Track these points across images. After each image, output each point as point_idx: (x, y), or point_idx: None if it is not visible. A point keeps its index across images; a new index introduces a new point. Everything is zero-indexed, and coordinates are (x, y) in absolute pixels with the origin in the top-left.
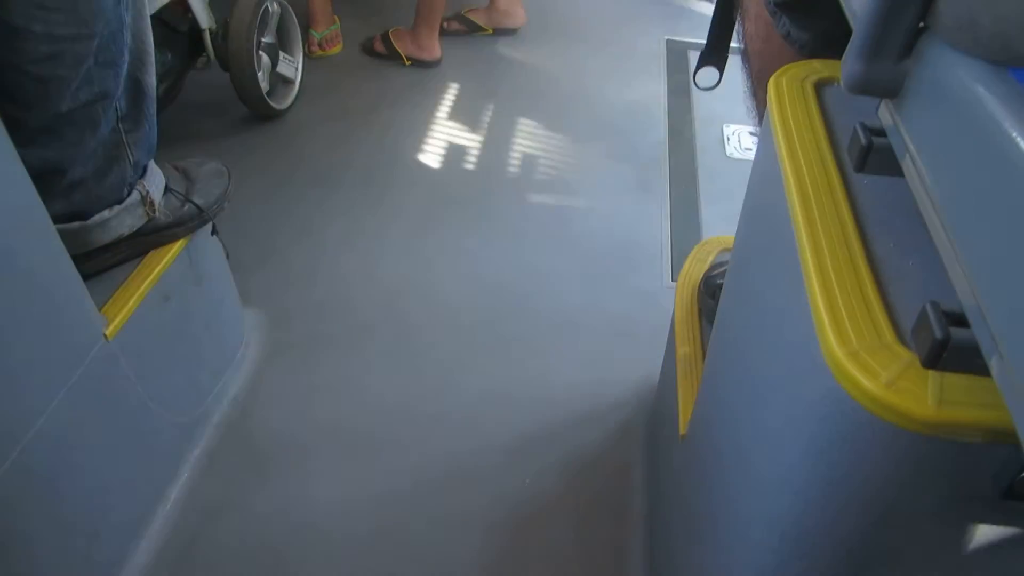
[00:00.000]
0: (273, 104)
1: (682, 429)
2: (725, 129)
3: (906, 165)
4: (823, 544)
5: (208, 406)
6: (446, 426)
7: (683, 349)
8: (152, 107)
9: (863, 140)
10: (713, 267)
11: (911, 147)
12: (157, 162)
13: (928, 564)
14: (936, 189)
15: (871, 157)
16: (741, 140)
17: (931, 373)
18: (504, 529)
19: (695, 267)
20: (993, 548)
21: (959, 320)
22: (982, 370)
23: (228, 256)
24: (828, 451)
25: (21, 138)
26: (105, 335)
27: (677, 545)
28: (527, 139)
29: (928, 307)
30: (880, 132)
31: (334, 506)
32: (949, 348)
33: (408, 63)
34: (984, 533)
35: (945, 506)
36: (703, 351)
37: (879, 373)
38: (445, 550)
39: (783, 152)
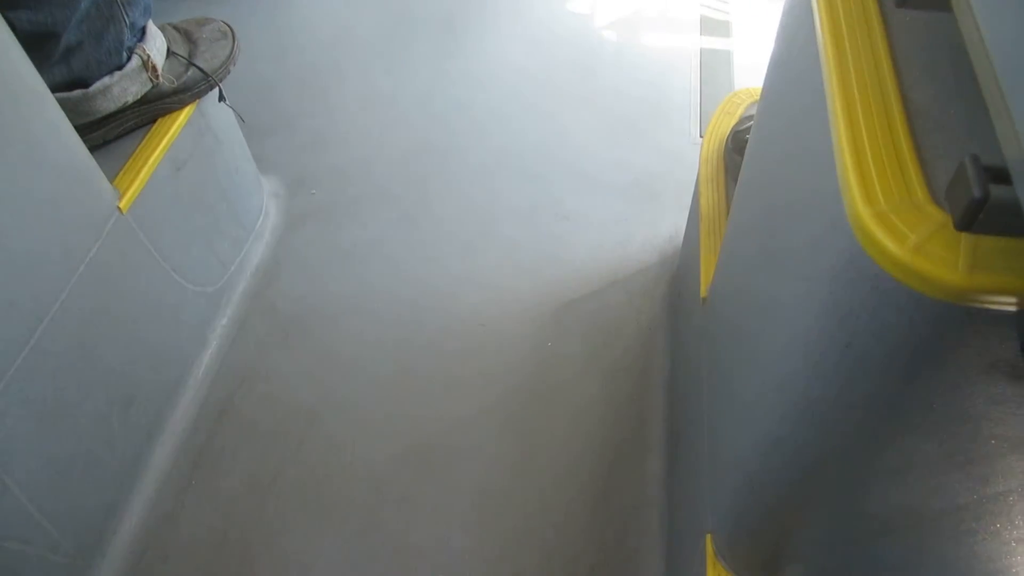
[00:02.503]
0: None
1: (703, 291)
2: None
3: None
4: (835, 413)
5: (232, 276)
6: (467, 289)
7: (707, 209)
8: None
9: None
10: (742, 121)
11: None
12: (156, 23)
13: (943, 436)
14: (989, 26)
15: None
16: None
17: (964, 236)
18: (525, 390)
19: (723, 121)
20: (1015, 420)
21: (1000, 176)
22: (1021, 232)
23: (242, 121)
24: (847, 318)
25: (8, 1)
26: (119, 208)
27: (696, 405)
28: None
29: (967, 161)
30: None
31: (360, 367)
32: (987, 208)
33: None
34: (1007, 408)
35: (967, 378)
36: (727, 211)
37: (907, 236)
38: (466, 412)
39: None
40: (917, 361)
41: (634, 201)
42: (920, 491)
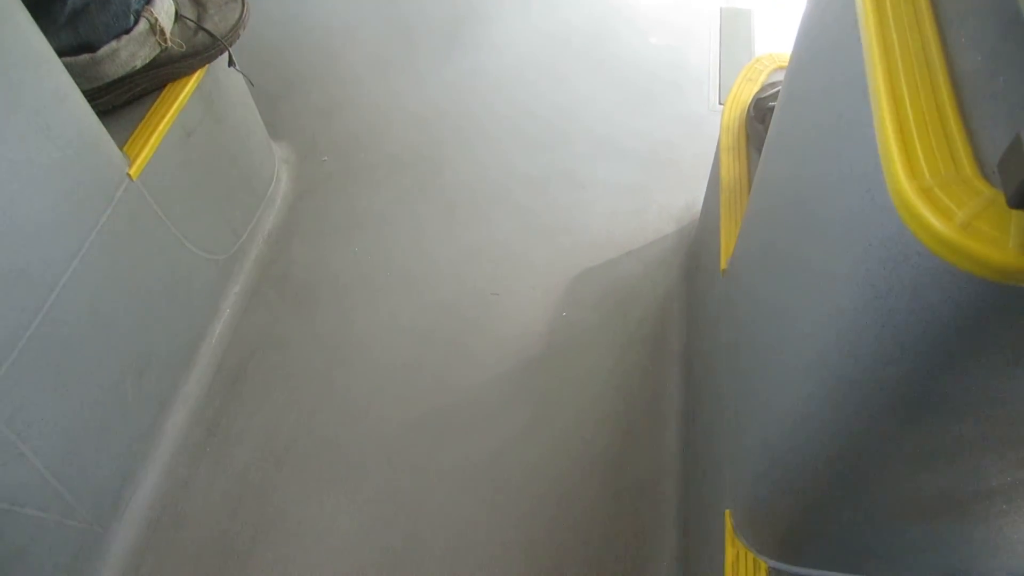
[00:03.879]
0: None
1: (723, 264)
2: None
3: None
4: (866, 393)
5: (243, 243)
6: (481, 258)
7: (728, 179)
8: None
9: None
10: (765, 88)
11: None
12: None
13: (978, 418)
14: None
15: None
16: None
17: (1016, 213)
18: (539, 360)
19: (745, 87)
20: None
21: None
22: None
23: (252, 85)
24: (886, 297)
25: None
26: (129, 175)
27: (715, 378)
28: None
29: (1023, 135)
30: None
31: (373, 335)
32: None
33: None
34: None
35: (1010, 361)
36: (749, 182)
37: (954, 212)
38: (479, 381)
39: None
40: (959, 343)
41: (651, 169)
42: (951, 474)
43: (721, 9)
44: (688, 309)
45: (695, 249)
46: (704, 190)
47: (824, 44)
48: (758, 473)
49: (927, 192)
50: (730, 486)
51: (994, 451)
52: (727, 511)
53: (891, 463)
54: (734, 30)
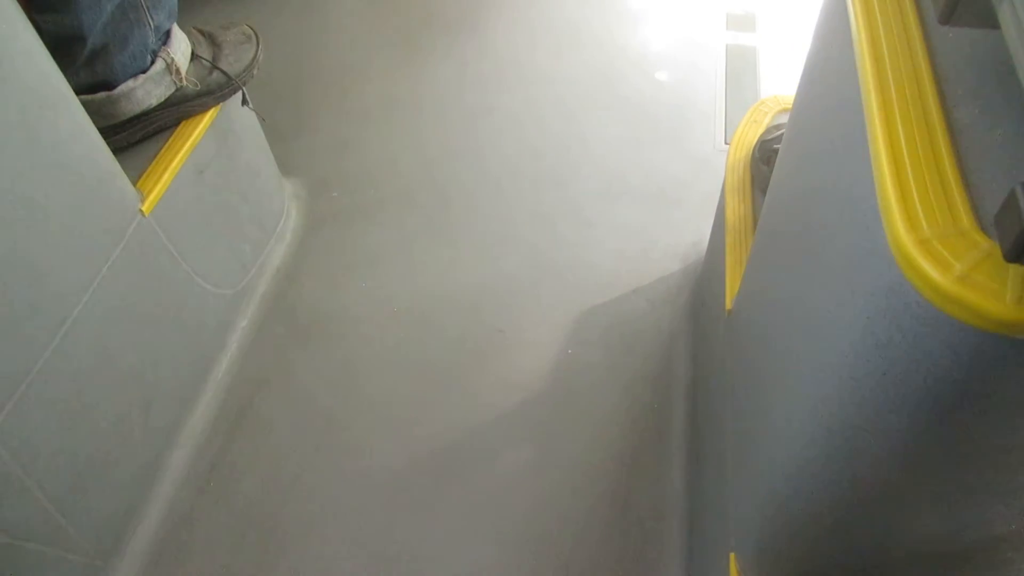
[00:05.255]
0: None
1: (728, 304)
2: None
3: (1003, 13)
4: (869, 439)
5: (252, 278)
6: (488, 294)
7: (732, 220)
8: None
9: None
10: (770, 130)
11: None
12: (181, 27)
13: (983, 466)
14: None
15: (960, 5)
16: None
17: (1012, 267)
18: (545, 397)
19: (750, 129)
20: None
21: None
22: None
23: (263, 122)
24: (886, 346)
25: (36, 4)
26: (142, 210)
27: (720, 418)
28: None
29: (1018, 189)
30: None
31: (380, 370)
32: None
33: None
34: None
35: (1011, 410)
36: (754, 223)
37: (951, 264)
38: (485, 418)
39: None
40: (959, 392)
41: (657, 208)
42: (957, 521)
43: (727, 46)
44: (693, 347)
45: (700, 288)
46: (710, 229)
47: (825, 94)
48: (762, 517)
49: (925, 244)
50: (735, 528)
51: (1000, 499)
52: (732, 554)
53: (895, 510)
54: (740, 68)
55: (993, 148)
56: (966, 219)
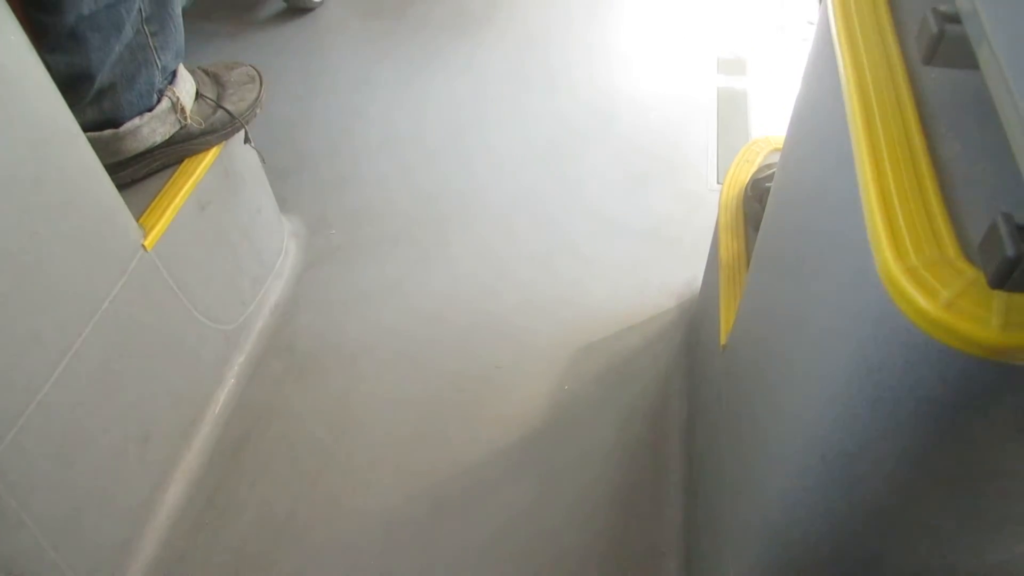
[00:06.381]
0: None
1: (723, 339)
2: (781, 17)
3: (982, 54)
4: (862, 466)
5: (251, 314)
6: (484, 331)
7: (726, 256)
8: (177, 8)
9: (934, 27)
10: (762, 169)
11: (989, 33)
12: (186, 67)
13: (976, 492)
14: (1018, 84)
15: (942, 46)
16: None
17: (996, 293)
18: (541, 433)
19: (742, 169)
20: None
21: None
22: None
23: (264, 162)
24: (877, 372)
25: (47, 44)
26: (144, 246)
27: (716, 453)
28: (568, 36)
29: (1000, 220)
30: (954, 18)
31: (377, 406)
32: (1021, 266)
33: None
34: None
35: (1001, 435)
36: (747, 259)
37: (938, 291)
38: (481, 454)
39: (841, 40)
40: (950, 417)
41: (652, 246)
42: (951, 548)
43: (718, 89)
44: (689, 383)
45: (695, 324)
46: (704, 266)
47: (815, 132)
48: (760, 550)
49: (913, 272)
50: (732, 560)
51: (993, 526)
52: None
53: (890, 537)
54: (731, 110)
55: (976, 181)
56: (952, 248)
